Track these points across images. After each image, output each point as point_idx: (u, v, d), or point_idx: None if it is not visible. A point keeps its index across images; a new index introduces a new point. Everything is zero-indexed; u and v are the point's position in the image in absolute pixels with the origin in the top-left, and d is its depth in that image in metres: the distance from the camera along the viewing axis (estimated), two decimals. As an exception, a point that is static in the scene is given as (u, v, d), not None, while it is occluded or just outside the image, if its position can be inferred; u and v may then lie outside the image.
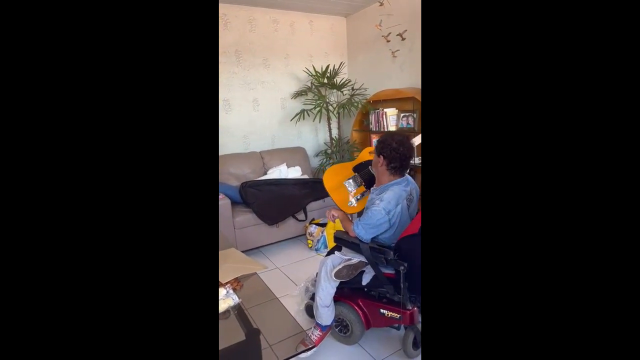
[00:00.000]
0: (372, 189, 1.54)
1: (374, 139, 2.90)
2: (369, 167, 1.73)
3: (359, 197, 1.68)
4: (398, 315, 1.41)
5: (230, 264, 1.37)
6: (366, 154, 1.79)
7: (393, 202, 1.36)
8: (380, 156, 1.41)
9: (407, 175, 1.48)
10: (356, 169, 1.75)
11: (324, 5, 3.14)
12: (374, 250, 1.34)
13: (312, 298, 1.68)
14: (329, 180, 1.70)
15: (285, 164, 3.08)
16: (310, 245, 2.65)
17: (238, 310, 1.15)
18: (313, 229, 2.64)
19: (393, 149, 1.38)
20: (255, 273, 1.40)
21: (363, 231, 1.35)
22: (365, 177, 1.72)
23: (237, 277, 1.27)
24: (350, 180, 1.70)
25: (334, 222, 1.61)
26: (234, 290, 1.19)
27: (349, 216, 1.55)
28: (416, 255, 1.28)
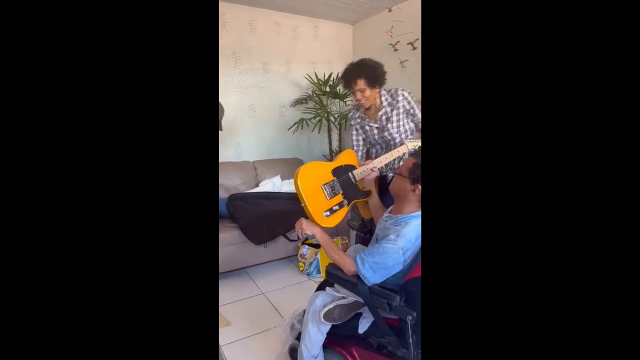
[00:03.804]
0: (385, 214, 1.24)
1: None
2: (349, 172, 1.44)
3: (335, 208, 1.38)
4: (401, 373, 1.13)
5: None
6: (347, 157, 1.50)
7: (413, 239, 1.07)
8: (417, 185, 1.08)
9: None
10: (335, 172, 1.43)
11: (330, 10, 2.96)
12: (375, 293, 1.07)
13: (299, 337, 1.40)
14: (305, 180, 1.34)
15: (279, 176, 2.83)
16: (301, 269, 2.38)
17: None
18: (305, 250, 2.37)
19: None
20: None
21: (371, 271, 1.05)
22: (345, 186, 1.43)
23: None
24: (329, 185, 1.39)
25: (301, 237, 1.23)
26: None
27: (331, 237, 1.22)
28: (428, 302, 1.01)
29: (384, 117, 1.68)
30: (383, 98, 1.68)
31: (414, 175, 1.09)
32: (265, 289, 2.17)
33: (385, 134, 1.70)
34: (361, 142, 1.83)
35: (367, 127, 1.75)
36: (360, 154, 1.82)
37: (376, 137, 1.75)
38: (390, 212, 1.22)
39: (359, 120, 1.78)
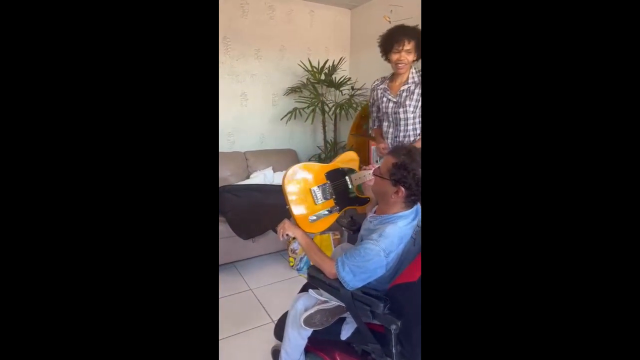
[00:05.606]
0: (370, 215, 1.14)
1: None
2: (347, 177, 1.33)
3: (324, 213, 1.27)
4: (386, 382, 1.06)
5: None
6: (347, 159, 1.38)
7: (396, 241, 0.98)
8: (400, 187, 0.98)
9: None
10: (330, 175, 1.32)
11: (326, -7, 2.81)
12: (358, 299, 0.99)
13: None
14: (293, 180, 1.26)
15: (271, 167, 2.74)
16: (292, 264, 2.31)
17: None
18: (296, 245, 2.30)
19: (420, 180, 0.95)
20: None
21: (351, 275, 0.97)
22: (339, 191, 1.31)
23: None
24: (320, 189, 1.28)
25: (281, 239, 1.16)
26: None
27: (313, 241, 1.13)
28: (415, 310, 0.93)
29: (404, 94, 1.64)
30: (411, 75, 1.64)
31: (395, 177, 0.98)
32: (253, 285, 2.11)
33: (400, 110, 1.64)
34: (374, 113, 1.82)
35: (385, 99, 1.71)
36: (372, 124, 1.84)
37: (390, 111, 1.69)
38: (374, 212, 1.14)
39: (380, 90, 1.74)
